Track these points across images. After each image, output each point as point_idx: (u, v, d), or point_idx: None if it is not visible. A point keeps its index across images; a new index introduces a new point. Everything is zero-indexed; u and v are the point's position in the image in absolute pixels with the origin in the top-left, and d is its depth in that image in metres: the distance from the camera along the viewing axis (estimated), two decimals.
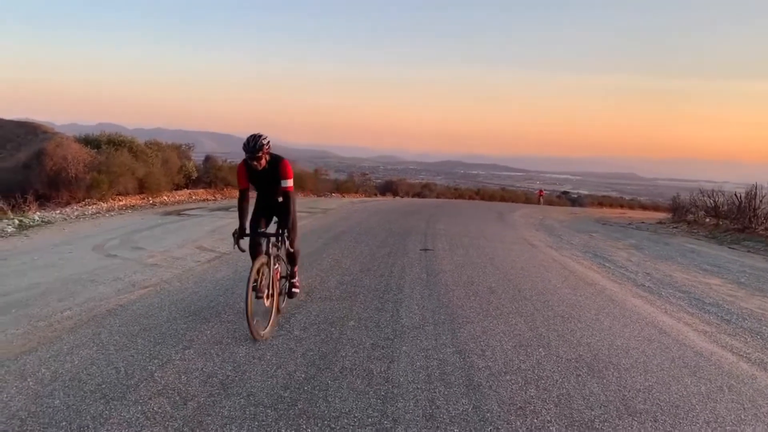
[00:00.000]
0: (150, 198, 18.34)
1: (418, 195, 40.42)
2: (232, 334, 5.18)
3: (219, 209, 17.48)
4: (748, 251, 15.03)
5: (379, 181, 45.18)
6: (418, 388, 4.16)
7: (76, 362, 4.38)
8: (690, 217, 23.15)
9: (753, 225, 18.55)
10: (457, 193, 46.14)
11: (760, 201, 18.99)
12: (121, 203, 16.58)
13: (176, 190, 21.02)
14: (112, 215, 14.43)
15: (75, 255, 8.99)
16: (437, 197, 41.12)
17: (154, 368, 4.32)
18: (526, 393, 4.18)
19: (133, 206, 16.57)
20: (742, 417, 4.03)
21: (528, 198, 47.33)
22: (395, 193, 38.26)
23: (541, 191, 50.67)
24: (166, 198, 19.15)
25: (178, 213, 15.69)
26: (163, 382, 4.08)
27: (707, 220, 21.80)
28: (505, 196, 48.11)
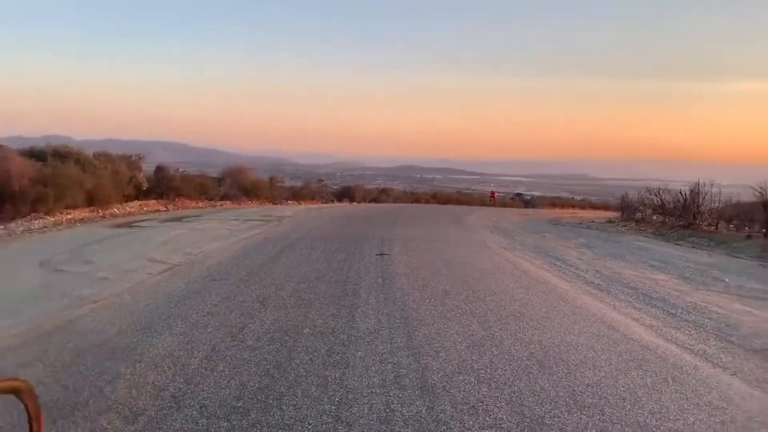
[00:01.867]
0: (100, 210, 17.89)
1: (375, 200, 40.48)
2: (185, 346, 5.11)
3: (171, 220, 17.18)
4: (693, 247, 15.56)
5: (335, 187, 45.06)
6: (372, 393, 4.18)
7: None
8: (638, 215, 23.84)
9: (697, 221, 19.21)
10: (414, 197, 46.37)
11: (704, 198, 19.69)
12: (69, 217, 16.12)
13: (127, 201, 20.56)
14: (60, 229, 14.02)
15: (20, 271, 8.72)
16: (394, 202, 41.26)
17: (103, 384, 4.23)
18: (478, 392, 4.25)
19: (82, 219, 16.14)
20: (685, 406, 4.18)
21: (483, 200, 47.95)
22: (352, 199, 38.24)
23: (493, 192, 51.20)
24: (116, 210, 18.72)
25: (129, 225, 15.36)
26: (113, 397, 4.00)
27: (654, 217, 22.49)
28: (461, 199, 48.59)
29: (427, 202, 44.48)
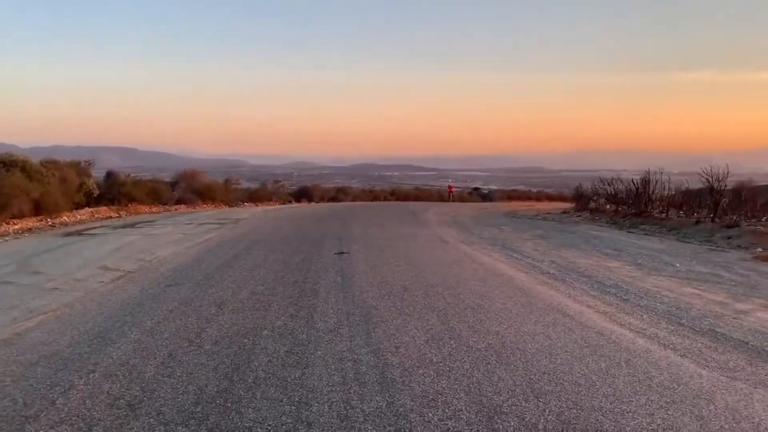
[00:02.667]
0: (48, 219, 17.37)
1: (334, 199, 40.38)
2: (140, 354, 5.01)
3: (124, 226, 16.81)
4: (645, 234, 16.02)
5: (293, 187, 44.75)
6: (332, 391, 4.17)
7: None
8: (592, 205, 24.40)
9: (649, 209, 19.78)
10: (373, 195, 46.43)
11: (654, 186, 20.28)
12: (16, 227, 15.60)
13: (77, 209, 20.04)
14: (6, 240, 13.55)
15: None
16: (353, 200, 41.25)
17: (55, 396, 4.11)
18: (438, 385, 4.28)
19: (30, 229, 15.64)
20: (638, 388, 4.30)
21: (441, 196, 48.20)
22: (310, 199, 38.07)
23: (450, 187, 51.02)
24: (66, 218, 18.21)
25: (80, 233, 14.95)
26: (65, 409, 3.89)
27: (608, 207, 23.05)
28: (420, 195, 48.86)
29: (386, 199, 44.60)
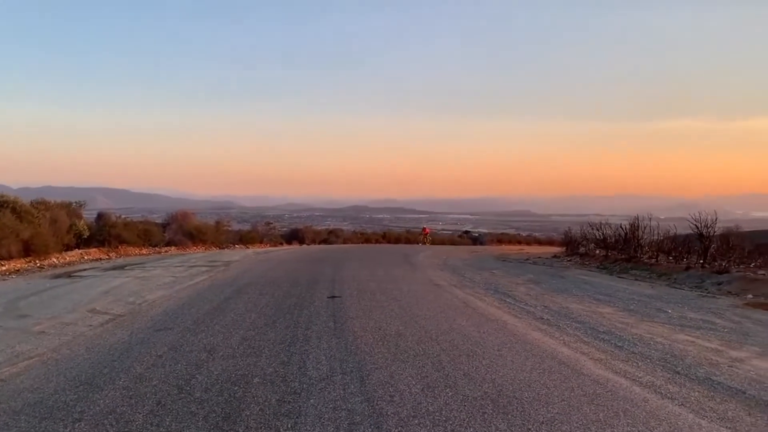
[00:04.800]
0: (37, 261, 17.19)
1: (325, 241, 40.31)
2: (128, 401, 4.89)
3: (113, 268, 16.64)
4: (636, 279, 16.02)
5: (284, 229, 44.68)
6: None
7: None
8: (582, 249, 24.46)
9: (638, 254, 19.84)
10: (364, 238, 46.41)
11: (643, 231, 20.39)
12: (3, 268, 15.42)
13: (67, 250, 19.87)
14: None
15: None
16: (344, 243, 41.17)
17: None
18: None
19: (18, 271, 15.46)
20: None
21: (432, 239, 48.19)
22: (301, 241, 37.96)
23: (425, 229, 50.47)
24: (55, 260, 18.02)
25: (69, 275, 14.79)
26: None
27: (597, 251, 23.10)
28: (410, 238, 48.87)
29: (377, 242, 44.57)
